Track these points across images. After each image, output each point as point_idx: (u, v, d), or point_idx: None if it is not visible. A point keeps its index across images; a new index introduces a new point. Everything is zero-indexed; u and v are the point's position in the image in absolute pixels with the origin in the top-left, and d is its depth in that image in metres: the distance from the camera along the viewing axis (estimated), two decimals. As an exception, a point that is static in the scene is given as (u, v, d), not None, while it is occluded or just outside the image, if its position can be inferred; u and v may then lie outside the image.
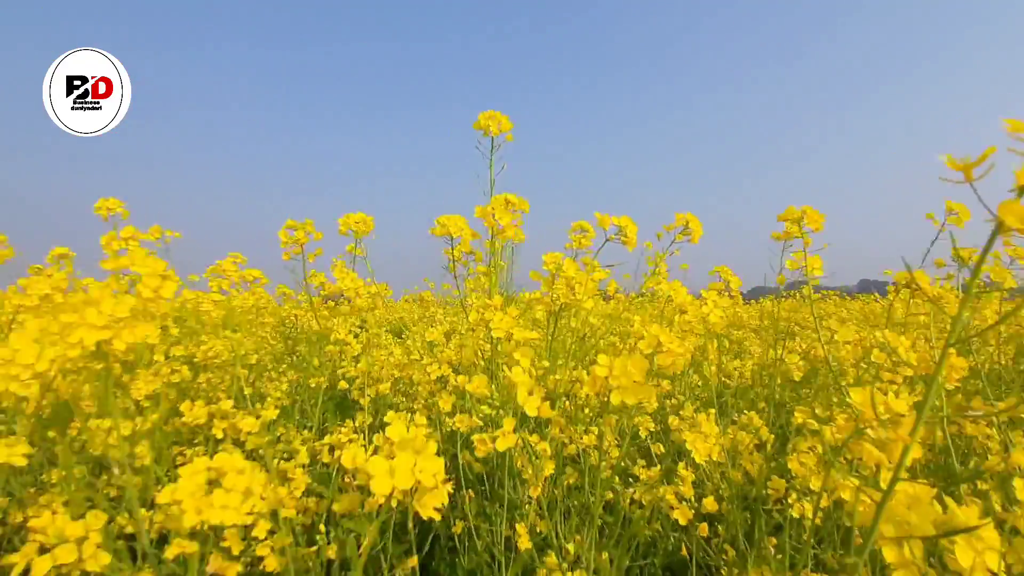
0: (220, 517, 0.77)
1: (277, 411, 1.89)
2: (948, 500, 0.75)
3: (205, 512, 0.76)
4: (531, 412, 1.03)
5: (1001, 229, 0.58)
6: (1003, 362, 2.18)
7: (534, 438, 1.42)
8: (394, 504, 0.73)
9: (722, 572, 1.65)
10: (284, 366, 2.21)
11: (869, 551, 0.79)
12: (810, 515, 1.45)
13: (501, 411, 1.16)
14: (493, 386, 1.34)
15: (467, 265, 1.81)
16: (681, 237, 1.80)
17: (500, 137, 1.88)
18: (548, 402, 1.04)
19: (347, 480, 1.34)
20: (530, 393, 1.04)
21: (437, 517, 0.75)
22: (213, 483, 0.80)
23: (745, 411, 1.83)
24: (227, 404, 1.51)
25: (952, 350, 1.53)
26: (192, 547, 0.86)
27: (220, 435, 1.48)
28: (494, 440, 1.10)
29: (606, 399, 0.96)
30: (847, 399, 1.53)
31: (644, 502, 1.67)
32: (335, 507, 0.97)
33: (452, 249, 1.60)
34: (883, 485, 0.78)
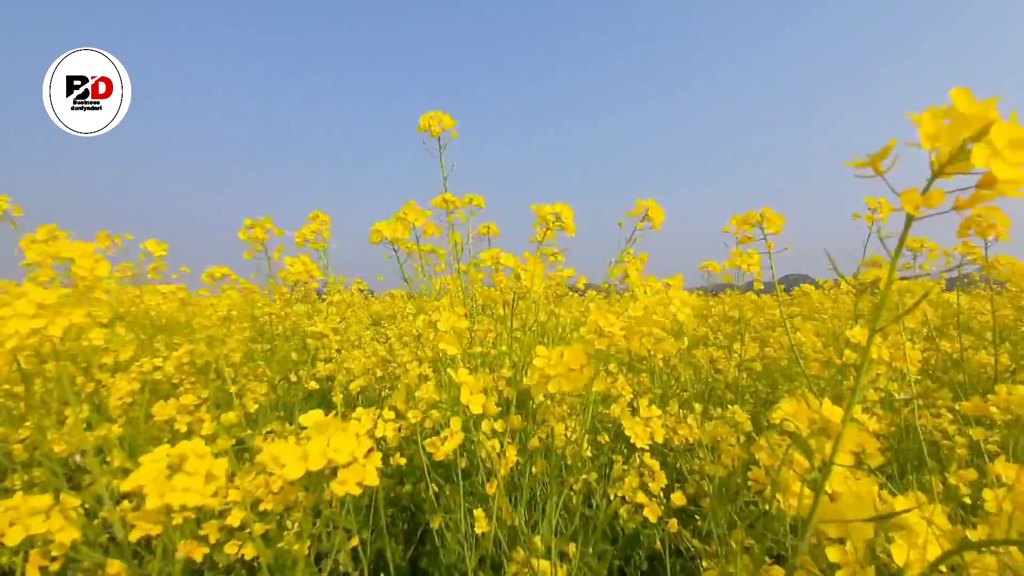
0: (183, 499, 0.79)
1: (255, 406, 1.90)
2: (885, 495, 0.76)
3: (168, 495, 0.78)
4: (476, 410, 1.05)
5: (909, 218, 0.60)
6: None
7: (498, 424, 1.41)
8: (319, 485, 0.75)
9: (702, 564, 1.66)
10: (263, 364, 2.22)
11: (807, 545, 0.80)
12: (784, 507, 1.47)
13: (450, 412, 1.18)
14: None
15: (424, 264, 1.82)
16: (641, 225, 1.76)
17: (447, 135, 1.89)
18: (492, 399, 1.05)
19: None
20: (473, 392, 1.05)
21: (356, 491, 0.74)
22: (175, 468, 0.82)
23: (728, 405, 1.83)
24: (189, 398, 1.54)
25: (909, 343, 1.54)
26: (156, 529, 0.88)
27: (184, 429, 1.51)
28: (443, 441, 1.11)
29: (545, 388, 0.98)
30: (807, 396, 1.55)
31: (615, 494, 1.67)
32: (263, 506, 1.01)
33: (396, 253, 1.62)
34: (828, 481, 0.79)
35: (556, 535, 1.39)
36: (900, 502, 0.78)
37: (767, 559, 1.53)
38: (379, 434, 1.35)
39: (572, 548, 1.41)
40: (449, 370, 1.11)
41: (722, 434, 1.72)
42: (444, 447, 1.12)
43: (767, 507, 1.53)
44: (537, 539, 1.31)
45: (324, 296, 3.05)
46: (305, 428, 0.83)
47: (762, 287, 1.96)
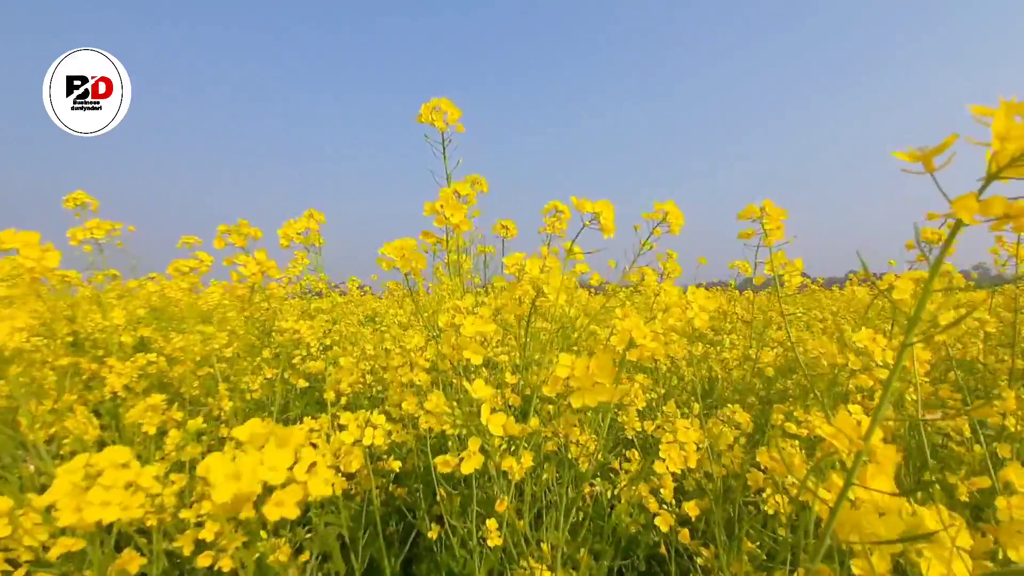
0: (99, 515, 0.74)
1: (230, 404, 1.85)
2: (916, 507, 0.74)
3: (84, 510, 0.74)
4: (496, 432, 0.99)
5: (959, 224, 0.56)
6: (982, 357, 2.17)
7: (518, 429, 1.34)
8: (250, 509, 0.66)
9: (698, 561, 1.65)
10: (258, 359, 2.18)
11: (824, 554, 0.78)
12: (784, 509, 1.45)
13: (464, 430, 1.12)
14: (455, 401, 1.28)
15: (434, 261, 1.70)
16: (660, 232, 1.68)
17: (452, 128, 1.77)
18: (512, 418, 1.00)
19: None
20: (494, 410, 1.00)
21: (293, 514, 0.66)
22: (92, 479, 0.77)
23: (729, 404, 1.81)
24: (156, 398, 1.48)
25: (919, 344, 1.52)
26: (78, 544, 0.83)
27: (153, 431, 1.45)
28: (460, 461, 1.06)
29: (567, 400, 0.92)
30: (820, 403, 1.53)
31: (623, 498, 1.65)
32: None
33: (405, 277, 1.47)
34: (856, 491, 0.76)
35: (563, 540, 1.36)
36: (926, 515, 0.75)
37: (765, 558, 1.54)
38: (367, 442, 1.29)
39: (583, 554, 1.38)
40: (465, 383, 1.04)
41: (722, 434, 1.70)
42: (462, 468, 1.05)
43: (767, 508, 1.53)
44: (546, 547, 1.28)
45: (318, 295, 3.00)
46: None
47: (797, 290, 1.91)
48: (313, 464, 0.70)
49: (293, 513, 0.67)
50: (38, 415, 1.37)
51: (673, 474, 1.67)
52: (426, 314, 1.85)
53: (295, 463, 0.69)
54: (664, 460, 1.37)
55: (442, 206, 1.52)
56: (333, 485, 1.31)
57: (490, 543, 1.34)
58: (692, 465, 1.37)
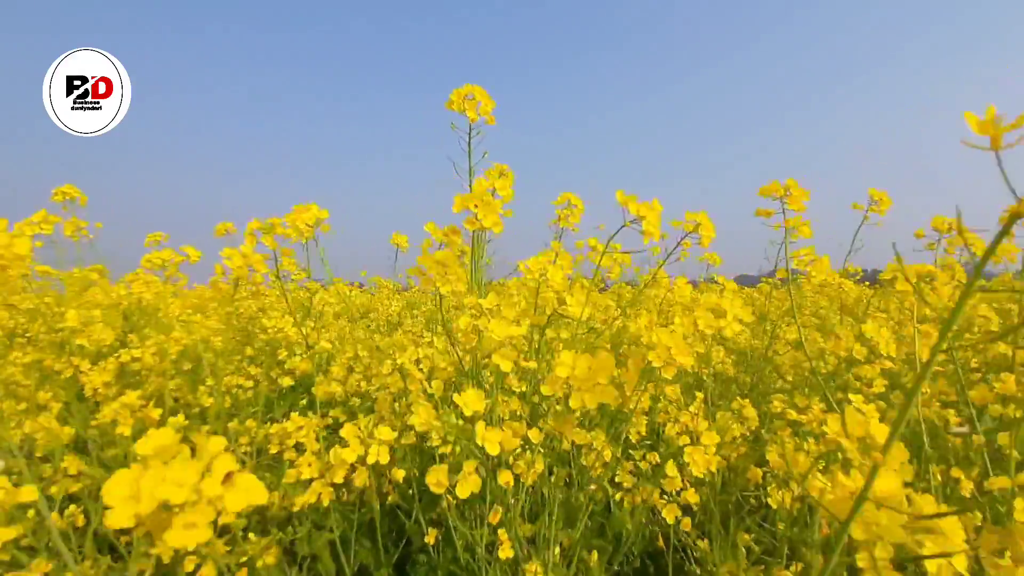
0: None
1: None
2: (915, 496, 0.71)
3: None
4: (492, 451, 0.95)
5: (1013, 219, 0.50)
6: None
7: (533, 433, 1.24)
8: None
9: (694, 554, 1.63)
10: (238, 358, 2.14)
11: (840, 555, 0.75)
12: (787, 505, 1.43)
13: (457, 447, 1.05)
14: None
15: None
16: (689, 245, 1.55)
17: (481, 119, 1.63)
18: (512, 432, 0.96)
19: None
20: (488, 428, 0.96)
21: (203, 537, 0.54)
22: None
23: (739, 398, 1.78)
24: (132, 397, 1.45)
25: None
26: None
27: (128, 432, 1.41)
28: (454, 484, 1.02)
29: (566, 399, 0.89)
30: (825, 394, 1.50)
31: (632, 501, 1.63)
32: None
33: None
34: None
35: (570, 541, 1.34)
36: (927, 503, 0.73)
37: (762, 554, 1.52)
38: (371, 460, 1.19)
39: (594, 556, 1.36)
40: (455, 395, 0.97)
41: (727, 427, 1.68)
42: (458, 492, 1.00)
43: (770, 501, 1.51)
44: (556, 550, 1.25)
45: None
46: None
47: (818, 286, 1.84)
48: (229, 475, 0.57)
49: (205, 535, 0.55)
50: (9, 413, 1.34)
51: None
52: (425, 309, 1.79)
53: (204, 475, 0.55)
54: (689, 465, 1.41)
55: (475, 205, 1.33)
56: (320, 495, 1.26)
57: (501, 555, 1.27)
58: (714, 469, 1.39)
